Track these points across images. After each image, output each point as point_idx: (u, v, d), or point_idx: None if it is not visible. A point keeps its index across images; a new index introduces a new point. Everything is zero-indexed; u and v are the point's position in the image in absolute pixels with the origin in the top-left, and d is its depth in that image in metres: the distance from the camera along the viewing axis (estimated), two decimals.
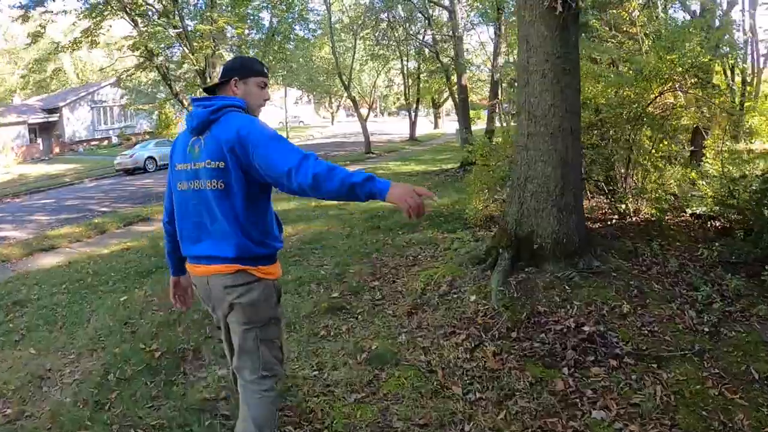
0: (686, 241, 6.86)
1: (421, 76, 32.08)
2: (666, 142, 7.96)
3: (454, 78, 18.88)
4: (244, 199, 2.59)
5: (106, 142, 43.41)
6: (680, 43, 7.35)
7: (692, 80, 7.42)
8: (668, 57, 7.11)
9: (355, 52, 29.63)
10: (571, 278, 5.16)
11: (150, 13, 14.41)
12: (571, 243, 5.37)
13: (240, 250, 2.61)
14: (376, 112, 67.35)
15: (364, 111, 31.55)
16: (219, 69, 15.69)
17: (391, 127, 47.02)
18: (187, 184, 2.69)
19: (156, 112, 38.61)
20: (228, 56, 14.38)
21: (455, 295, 5.09)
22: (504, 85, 19.33)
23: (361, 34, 28.27)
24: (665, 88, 7.29)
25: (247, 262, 2.64)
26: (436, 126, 47.60)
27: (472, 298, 4.92)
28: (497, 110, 18.01)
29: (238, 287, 2.65)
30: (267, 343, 2.79)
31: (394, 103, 55.94)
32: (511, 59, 18.95)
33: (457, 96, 17.48)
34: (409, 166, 19.80)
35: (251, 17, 23.05)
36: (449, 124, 50.31)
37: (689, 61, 7.16)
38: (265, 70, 2.92)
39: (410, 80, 32.93)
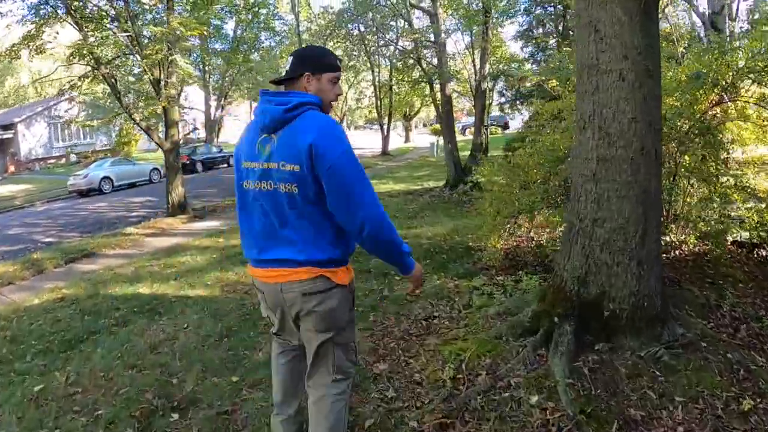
0: (747, 279, 5.68)
1: (395, 87, 30.69)
2: (713, 160, 6.63)
3: (435, 88, 17.36)
4: (318, 203, 2.46)
5: (63, 160, 41.00)
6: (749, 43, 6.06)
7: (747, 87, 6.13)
8: (723, 60, 5.78)
9: None
10: (659, 358, 3.72)
11: (98, 17, 12.69)
12: (652, 306, 3.91)
13: (317, 254, 2.51)
14: (344, 126, 65.84)
15: None
16: (174, 78, 14.08)
17: (360, 141, 45.30)
18: (254, 183, 2.57)
19: (116, 128, 36.62)
20: (185, 63, 12.68)
21: (504, 393, 3.54)
22: (491, 93, 18.15)
23: (331, 44, 26.84)
24: (714, 97, 5.97)
25: (324, 265, 2.53)
26: (407, 140, 46.08)
27: (533, 399, 3.40)
28: (485, 122, 16.66)
29: (318, 294, 2.55)
30: (342, 348, 2.72)
31: (366, 116, 54.01)
32: (488, 68, 17.62)
33: (441, 107, 15.96)
34: (387, 185, 18.25)
35: (213, 26, 21.65)
36: (420, 138, 48.96)
37: (752, 63, 5.84)
38: (339, 63, 2.74)
39: (382, 92, 31.34)
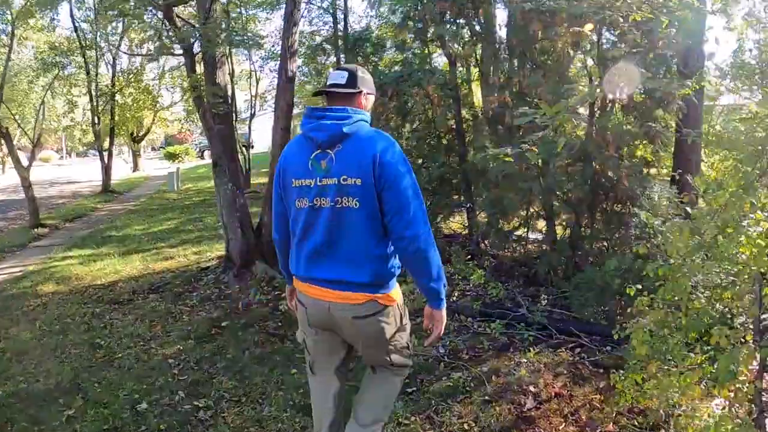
0: None
1: (119, 97, 21.39)
2: None
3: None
4: (376, 218, 2.44)
5: None
6: None
7: None
8: None
9: (11, 53, 16.73)
10: None
11: None
12: None
13: (372, 275, 2.48)
14: (62, 154, 51.76)
15: (25, 155, 20.00)
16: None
17: (79, 172, 33.83)
18: (308, 201, 2.50)
19: None
20: None
21: None
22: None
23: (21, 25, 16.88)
24: None
25: (376, 288, 2.50)
26: (135, 168, 34.44)
27: None
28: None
29: (368, 317, 2.51)
30: (398, 352, 2.68)
31: (81, 139, 39.46)
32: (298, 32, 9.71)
33: (211, 110, 7.56)
34: (107, 264, 9.48)
35: None
36: (151, 165, 38.68)
37: None
38: None
39: (101, 101, 21.34)
